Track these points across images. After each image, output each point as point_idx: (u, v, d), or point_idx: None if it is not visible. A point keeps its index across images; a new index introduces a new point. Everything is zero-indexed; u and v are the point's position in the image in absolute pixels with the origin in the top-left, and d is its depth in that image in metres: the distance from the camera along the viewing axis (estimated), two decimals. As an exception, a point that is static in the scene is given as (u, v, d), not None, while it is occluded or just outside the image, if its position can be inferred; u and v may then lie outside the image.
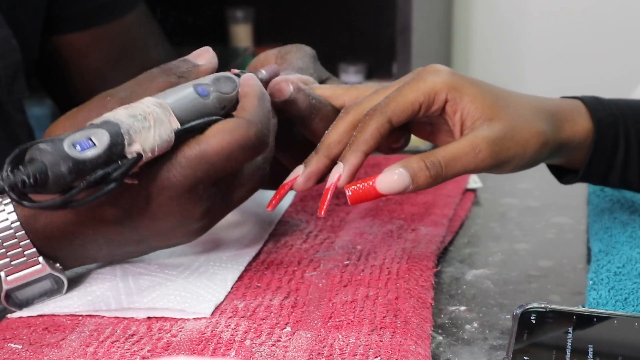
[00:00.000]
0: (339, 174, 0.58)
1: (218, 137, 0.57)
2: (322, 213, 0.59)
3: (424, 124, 0.64)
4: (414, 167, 0.57)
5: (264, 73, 0.64)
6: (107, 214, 0.57)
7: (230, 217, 0.73)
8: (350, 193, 0.58)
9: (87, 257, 0.60)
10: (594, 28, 2.15)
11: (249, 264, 0.65)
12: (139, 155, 0.54)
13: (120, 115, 0.54)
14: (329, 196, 0.59)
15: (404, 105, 0.59)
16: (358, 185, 0.58)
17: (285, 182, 0.61)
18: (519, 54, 2.21)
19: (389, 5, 1.93)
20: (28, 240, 0.57)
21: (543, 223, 0.73)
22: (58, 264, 0.59)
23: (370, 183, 0.58)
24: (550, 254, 0.67)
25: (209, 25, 2.29)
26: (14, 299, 0.58)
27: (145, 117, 0.55)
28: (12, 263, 0.57)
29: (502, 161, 0.59)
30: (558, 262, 0.66)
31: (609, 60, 2.15)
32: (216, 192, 0.59)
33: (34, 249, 0.57)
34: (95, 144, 0.52)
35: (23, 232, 0.56)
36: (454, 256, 0.67)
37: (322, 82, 0.70)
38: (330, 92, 0.65)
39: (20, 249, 0.57)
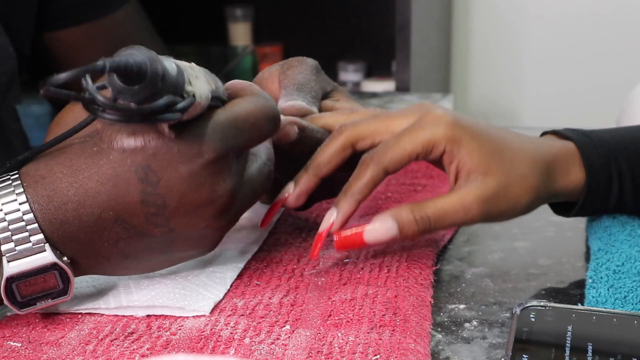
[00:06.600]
0: (332, 220, 0.61)
1: (243, 105, 0.57)
2: (314, 257, 0.61)
3: None
4: (403, 219, 0.60)
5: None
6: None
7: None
8: (336, 238, 0.61)
9: (101, 255, 0.56)
10: (594, 27, 2.15)
11: (248, 262, 0.65)
12: (194, 97, 0.52)
13: (172, 60, 0.52)
14: (321, 242, 0.61)
15: (401, 156, 0.61)
16: (346, 232, 0.60)
17: (276, 200, 0.64)
18: (518, 53, 2.21)
19: (388, 3, 1.93)
20: (36, 225, 0.53)
21: (542, 221, 0.73)
22: (66, 258, 0.55)
23: (359, 231, 0.60)
24: (550, 252, 0.68)
25: (208, 23, 2.29)
26: (14, 294, 0.54)
27: (193, 68, 0.54)
28: (17, 248, 0.53)
29: (492, 217, 0.61)
30: (557, 260, 0.66)
31: (609, 61, 2.15)
32: (239, 169, 0.57)
33: (41, 235, 0.54)
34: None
35: (31, 214, 0.53)
36: (453, 254, 0.67)
37: (326, 94, 0.70)
38: (332, 121, 0.66)
39: (26, 234, 0.53)
